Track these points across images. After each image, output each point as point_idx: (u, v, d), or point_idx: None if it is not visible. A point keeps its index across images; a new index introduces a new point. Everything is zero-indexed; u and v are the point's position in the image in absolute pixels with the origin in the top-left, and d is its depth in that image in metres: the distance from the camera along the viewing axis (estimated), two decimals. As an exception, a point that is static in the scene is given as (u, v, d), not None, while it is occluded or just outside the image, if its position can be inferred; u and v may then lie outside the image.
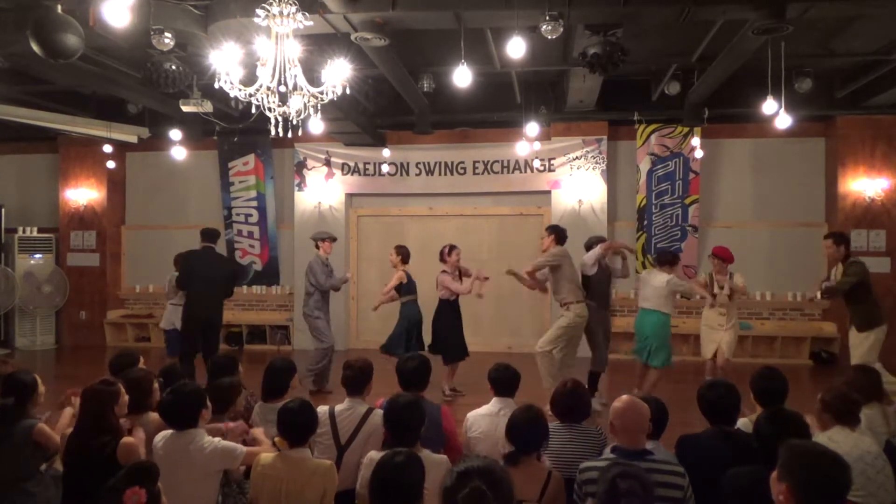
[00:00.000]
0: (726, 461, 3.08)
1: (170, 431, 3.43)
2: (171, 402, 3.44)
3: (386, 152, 10.20)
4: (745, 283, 6.95)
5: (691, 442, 3.45)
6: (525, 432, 3.21)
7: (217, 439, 3.41)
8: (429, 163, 10.46)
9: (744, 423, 3.71)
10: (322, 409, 3.89)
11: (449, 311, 7.48)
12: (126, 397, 3.63)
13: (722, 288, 6.81)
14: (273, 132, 4.20)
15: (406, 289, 7.63)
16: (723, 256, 6.94)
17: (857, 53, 7.78)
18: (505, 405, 3.91)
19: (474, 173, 10.37)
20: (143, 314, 11.29)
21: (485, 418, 3.96)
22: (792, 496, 2.13)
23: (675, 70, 8.30)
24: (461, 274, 7.53)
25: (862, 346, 6.18)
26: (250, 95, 4.01)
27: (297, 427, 3.31)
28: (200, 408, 3.45)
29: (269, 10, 3.90)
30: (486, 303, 10.46)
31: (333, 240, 8.00)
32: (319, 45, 5.86)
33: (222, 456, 3.34)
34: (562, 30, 5.25)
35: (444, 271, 7.48)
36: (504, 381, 4.10)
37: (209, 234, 7.43)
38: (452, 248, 7.58)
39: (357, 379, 4.05)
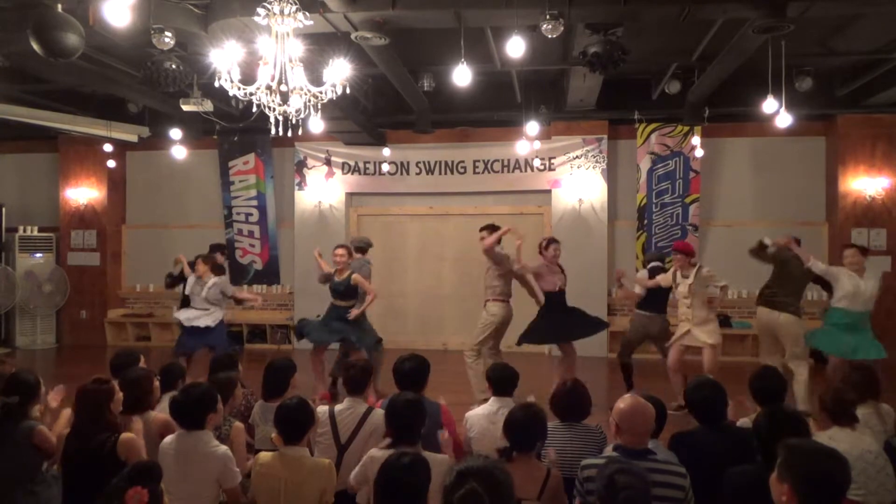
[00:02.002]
0: (722, 456, 3.10)
1: (176, 433, 3.44)
2: (183, 401, 3.45)
3: (386, 151, 10.21)
4: (717, 285, 6.66)
5: (685, 439, 3.47)
6: (522, 430, 3.21)
7: (226, 447, 3.41)
8: (429, 162, 10.46)
9: (744, 422, 3.72)
10: (322, 409, 3.90)
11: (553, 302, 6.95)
12: (120, 395, 3.64)
13: (685, 278, 6.61)
14: (273, 131, 4.20)
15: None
16: (682, 250, 6.77)
17: (858, 52, 7.77)
18: (503, 404, 3.91)
19: (474, 172, 10.37)
20: (143, 313, 11.30)
21: (483, 418, 3.96)
22: (794, 495, 2.13)
23: (675, 69, 8.29)
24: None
25: None
26: (250, 94, 4.01)
27: (292, 424, 3.32)
28: (210, 409, 3.46)
29: (269, 9, 3.91)
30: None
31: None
32: (320, 45, 5.86)
33: (225, 464, 3.33)
34: (562, 29, 5.25)
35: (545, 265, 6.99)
36: (502, 380, 4.11)
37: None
38: (550, 241, 6.99)
39: (358, 379, 4.07)
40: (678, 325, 6.74)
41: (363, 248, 7.67)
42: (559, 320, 6.85)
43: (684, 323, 6.63)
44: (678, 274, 6.68)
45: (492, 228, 6.82)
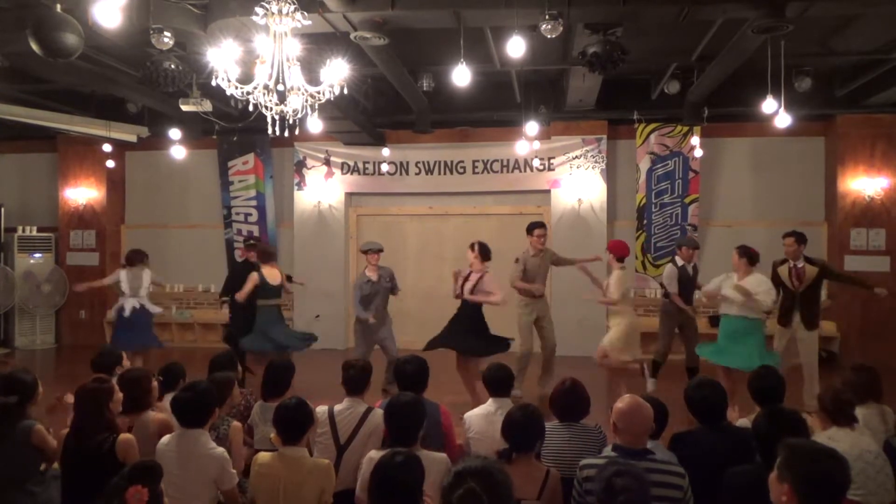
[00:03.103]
0: (722, 456, 3.11)
1: (174, 433, 3.44)
2: (185, 399, 3.44)
3: (385, 151, 10.20)
4: (612, 285, 6.76)
5: (685, 439, 3.48)
6: (521, 431, 3.21)
7: (223, 449, 3.41)
8: (428, 162, 10.45)
9: (743, 422, 3.73)
10: (321, 410, 3.90)
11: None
12: (120, 395, 3.64)
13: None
14: (271, 131, 4.20)
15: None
16: (609, 249, 6.92)
17: (857, 52, 7.76)
18: (501, 405, 3.90)
19: (474, 172, 10.37)
20: (142, 313, 11.27)
21: (481, 419, 3.95)
22: (794, 495, 2.12)
23: (674, 69, 8.29)
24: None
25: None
26: (248, 94, 4.01)
27: (291, 424, 3.32)
28: (213, 407, 3.45)
29: (268, 9, 3.90)
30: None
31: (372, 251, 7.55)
32: (318, 44, 5.85)
33: (222, 465, 3.33)
34: (561, 29, 5.25)
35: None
36: (499, 380, 4.10)
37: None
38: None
39: (357, 379, 4.06)
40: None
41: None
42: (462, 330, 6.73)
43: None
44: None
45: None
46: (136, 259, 7.87)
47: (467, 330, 6.67)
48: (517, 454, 3.17)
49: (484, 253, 6.75)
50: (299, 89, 4.08)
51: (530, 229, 7.41)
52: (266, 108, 4.08)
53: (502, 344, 6.78)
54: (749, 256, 6.34)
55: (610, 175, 10.12)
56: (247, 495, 3.47)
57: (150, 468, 2.72)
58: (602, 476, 2.38)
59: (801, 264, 6.66)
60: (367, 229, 10.82)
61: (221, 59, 3.92)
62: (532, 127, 8.42)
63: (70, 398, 4.09)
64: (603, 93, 8.64)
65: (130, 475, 2.61)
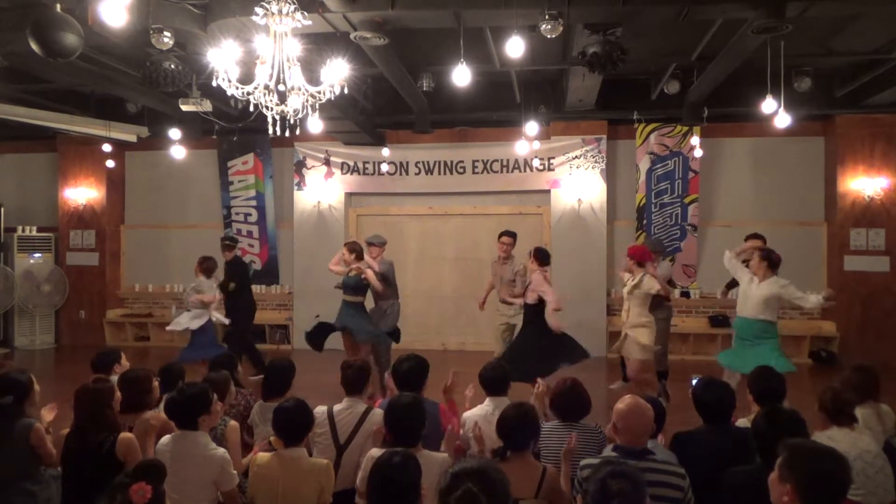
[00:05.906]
0: (722, 457, 3.11)
1: (174, 434, 3.44)
2: (178, 401, 3.44)
3: (385, 151, 10.20)
4: (650, 292, 6.39)
5: (686, 439, 3.48)
6: (515, 429, 3.21)
7: (224, 450, 3.41)
8: (428, 162, 10.46)
9: (743, 422, 3.73)
10: (320, 409, 3.89)
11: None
12: (119, 395, 3.64)
13: (624, 285, 6.61)
14: (271, 131, 4.20)
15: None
16: (634, 256, 6.57)
17: (857, 52, 7.77)
18: (498, 405, 3.89)
19: (474, 172, 10.37)
20: (142, 313, 11.28)
21: (480, 418, 3.93)
22: (796, 495, 2.12)
23: (674, 69, 8.29)
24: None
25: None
26: (248, 94, 4.01)
27: (292, 426, 3.32)
28: (205, 409, 3.44)
29: (268, 9, 3.90)
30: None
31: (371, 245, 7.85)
32: (318, 44, 5.86)
33: (222, 467, 3.32)
34: (561, 29, 5.25)
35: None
36: (495, 380, 4.09)
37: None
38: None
39: (356, 378, 4.06)
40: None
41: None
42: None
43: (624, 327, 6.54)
44: (625, 274, 6.66)
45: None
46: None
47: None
48: (513, 453, 3.17)
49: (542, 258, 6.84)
50: (299, 89, 4.08)
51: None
52: (266, 108, 4.08)
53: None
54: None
55: (610, 175, 10.12)
56: (246, 495, 3.47)
57: (155, 466, 2.73)
58: (597, 476, 2.35)
59: None
60: (367, 229, 10.79)
61: (221, 59, 3.92)
62: (532, 127, 8.42)
63: (50, 414, 4.03)
64: (603, 93, 8.64)
65: (135, 472, 2.62)
